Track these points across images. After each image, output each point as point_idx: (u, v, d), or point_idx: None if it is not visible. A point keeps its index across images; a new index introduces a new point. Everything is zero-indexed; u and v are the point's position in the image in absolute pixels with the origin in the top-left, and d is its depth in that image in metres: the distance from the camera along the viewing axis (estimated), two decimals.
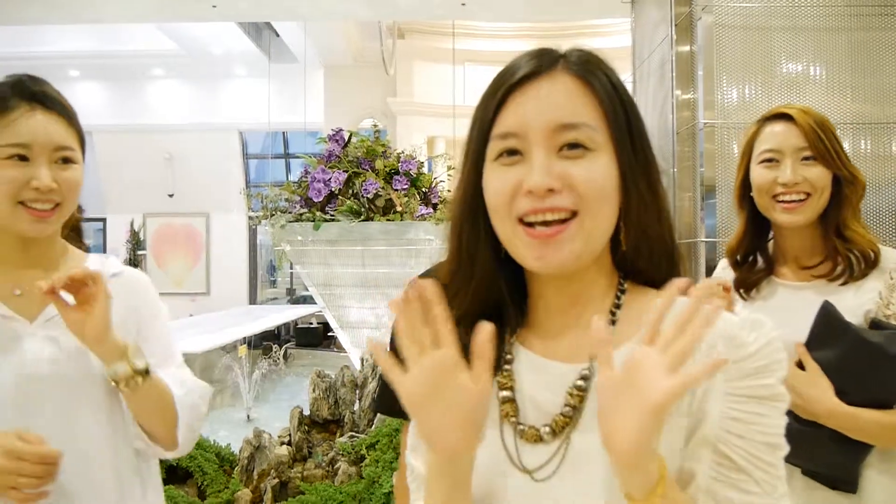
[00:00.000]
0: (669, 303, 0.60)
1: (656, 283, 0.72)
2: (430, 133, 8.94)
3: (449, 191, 3.61)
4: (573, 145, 0.67)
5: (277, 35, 8.68)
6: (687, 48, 2.91)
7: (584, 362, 0.70)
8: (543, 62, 0.70)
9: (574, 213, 0.67)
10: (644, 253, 0.72)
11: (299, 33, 8.13)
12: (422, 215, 3.06)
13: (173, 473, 2.30)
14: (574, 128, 0.67)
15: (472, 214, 0.73)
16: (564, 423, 0.69)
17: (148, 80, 9.76)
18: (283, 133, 9.89)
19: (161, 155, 9.75)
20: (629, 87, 3.63)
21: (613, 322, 0.71)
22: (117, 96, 9.72)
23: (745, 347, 0.65)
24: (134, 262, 8.32)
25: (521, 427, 0.70)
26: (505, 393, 0.72)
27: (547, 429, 0.69)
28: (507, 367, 0.74)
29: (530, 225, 0.67)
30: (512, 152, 0.69)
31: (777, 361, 0.65)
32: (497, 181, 0.69)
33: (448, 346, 0.65)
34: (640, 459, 0.59)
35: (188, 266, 9.75)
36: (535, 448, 0.70)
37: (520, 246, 0.69)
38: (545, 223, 0.67)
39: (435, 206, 3.20)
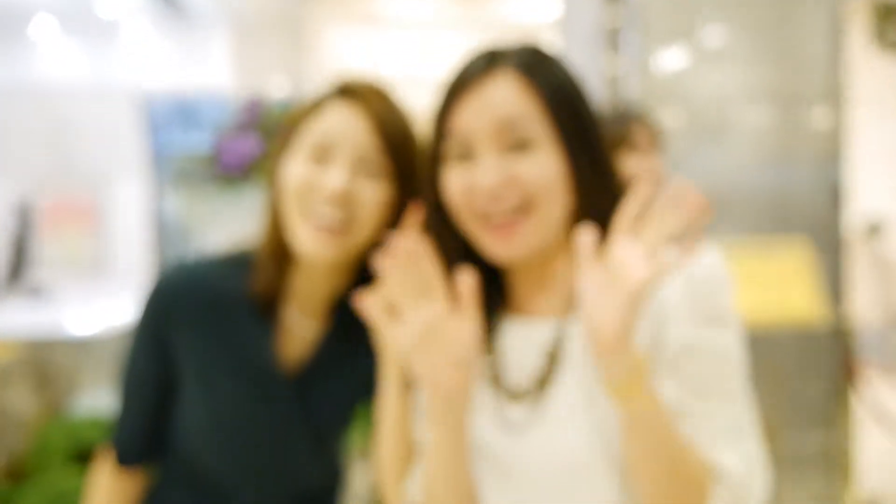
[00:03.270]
0: (640, 199, 0.66)
1: None
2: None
3: None
4: (518, 142, 0.72)
5: None
6: (615, 20, 2.87)
7: (556, 318, 0.77)
8: (487, 63, 0.75)
9: (525, 207, 0.73)
10: (605, 226, 0.74)
11: None
12: None
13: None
14: (518, 125, 0.72)
15: (436, 213, 0.79)
16: (543, 379, 0.75)
17: (32, 38, 9.08)
18: (189, 99, 9.47)
19: (49, 120, 9.10)
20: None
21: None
22: None
23: (696, 275, 0.72)
24: (23, 236, 7.80)
25: (506, 389, 0.77)
26: (489, 361, 0.79)
27: (531, 385, 0.76)
28: (490, 340, 0.80)
29: (489, 220, 0.73)
30: (463, 154, 0.74)
31: (725, 284, 0.73)
32: (451, 182, 0.75)
33: (439, 296, 0.74)
34: (622, 346, 0.64)
35: (83, 242, 9.22)
36: (519, 406, 0.76)
37: (481, 240, 0.75)
38: (502, 217, 0.73)
39: None
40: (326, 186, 0.87)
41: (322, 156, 0.89)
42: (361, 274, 0.95)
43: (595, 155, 0.76)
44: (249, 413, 0.97)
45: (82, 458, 2.16)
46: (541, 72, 0.75)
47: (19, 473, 2.17)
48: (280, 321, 0.97)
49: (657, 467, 0.67)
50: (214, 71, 8.39)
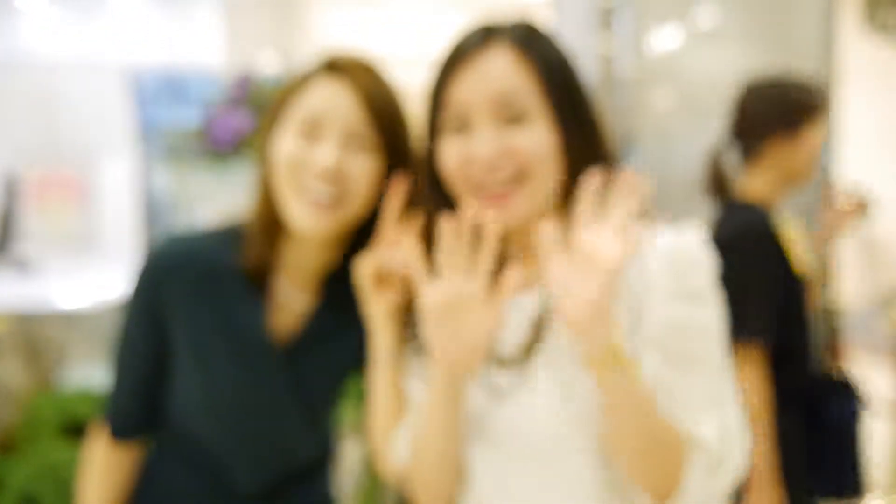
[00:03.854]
0: (593, 186, 0.70)
1: None
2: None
3: None
4: (514, 115, 0.75)
5: None
6: (609, 2, 2.86)
7: (542, 289, 0.79)
8: (483, 37, 0.77)
9: (519, 177, 0.75)
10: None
11: None
12: None
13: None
14: (513, 98, 0.75)
15: (432, 183, 0.82)
16: (528, 347, 0.78)
17: (16, 8, 8.90)
18: (178, 73, 9.37)
19: (36, 93, 8.96)
20: None
21: None
22: None
23: (678, 253, 0.74)
24: (9, 210, 7.73)
25: (494, 356, 0.80)
26: None
27: (514, 354, 0.79)
28: None
29: (484, 190, 0.76)
30: (459, 126, 0.77)
31: (705, 262, 0.75)
32: (448, 153, 0.78)
33: (482, 275, 0.74)
34: (600, 324, 0.67)
35: (70, 216, 9.13)
36: (504, 373, 0.79)
37: (475, 210, 0.77)
38: (496, 187, 0.75)
39: None
40: (318, 163, 0.88)
41: (312, 131, 0.90)
42: (352, 247, 0.96)
43: (586, 128, 0.78)
44: (241, 384, 0.98)
45: (72, 430, 2.16)
46: (536, 47, 0.77)
47: (9, 446, 2.18)
48: (272, 294, 0.98)
49: (635, 438, 0.70)
50: (204, 45, 8.30)
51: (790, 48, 2.79)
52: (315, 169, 0.88)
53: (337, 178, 0.89)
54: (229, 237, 0.99)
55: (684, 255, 0.75)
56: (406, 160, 0.92)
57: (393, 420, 0.87)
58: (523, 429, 0.78)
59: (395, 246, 0.86)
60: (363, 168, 0.90)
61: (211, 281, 0.96)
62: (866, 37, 4.64)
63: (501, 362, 0.80)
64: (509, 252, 0.84)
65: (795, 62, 2.79)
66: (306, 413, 1.03)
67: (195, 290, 0.96)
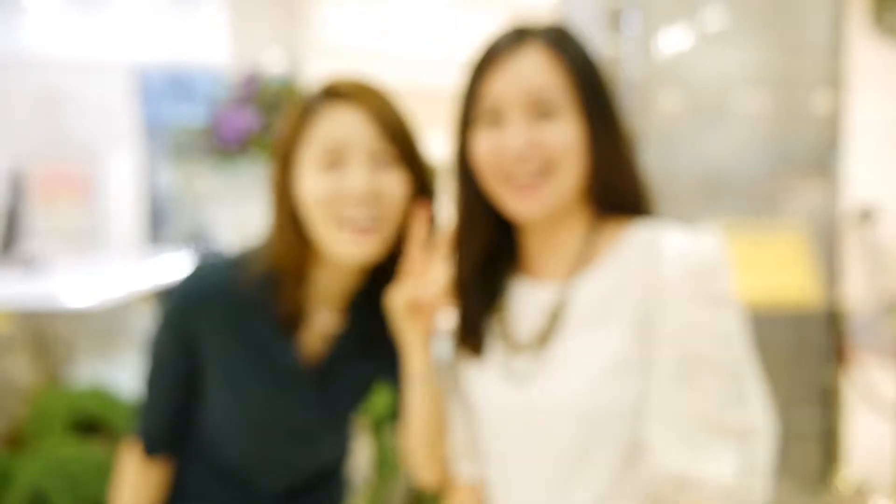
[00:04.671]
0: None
1: (629, 213, 0.85)
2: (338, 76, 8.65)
3: None
4: (544, 111, 0.80)
5: None
6: (617, 4, 2.86)
7: (561, 280, 0.84)
8: (517, 38, 0.82)
9: (547, 170, 0.80)
10: (616, 192, 0.84)
11: None
12: None
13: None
14: (543, 95, 0.80)
15: (465, 174, 0.87)
16: (545, 334, 0.82)
17: (25, 7, 8.92)
18: (183, 71, 9.37)
19: (43, 90, 8.98)
20: None
21: (585, 251, 0.84)
22: None
23: (695, 258, 0.76)
24: (16, 208, 7.73)
25: (512, 343, 0.85)
26: (500, 318, 0.88)
27: (531, 340, 0.83)
28: (503, 298, 0.89)
29: (513, 180, 0.81)
30: (492, 120, 0.82)
31: (723, 266, 0.76)
32: (481, 145, 0.82)
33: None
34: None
35: (76, 212, 9.14)
36: (522, 358, 0.84)
37: (504, 199, 0.82)
38: (525, 178, 0.80)
39: None
40: (351, 189, 0.90)
41: (336, 162, 0.91)
42: (377, 265, 0.99)
43: (611, 126, 0.83)
44: (272, 407, 1.01)
45: (80, 426, 2.17)
46: (566, 48, 0.82)
47: (17, 442, 2.18)
48: (304, 324, 1.00)
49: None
50: (210, 43, 8.30)
51: (798, 51, 2.79)
52: (350, 197, 0.90)
53: (373, 200, 0.90)
54: (256, 266, 0.99)
55: (701, 259, 0.76)
56: (424, 172, 0.96)
57: (428, 437, 0.93)
58: (540, 413, 0.81)
59: (425, 275, 0.91)
60: (394, 183, 0.92)
61: (243, 314, 0.97)
62: (874, 40, 4.63)
63: (519, 349, 0.84)
64: (532, 243, 0.88)
65: (803, 65, 2.79)
66: (333, 426, 1.07)
67: (227, 323, 0.97)
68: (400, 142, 0.93)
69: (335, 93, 0.93)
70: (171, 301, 1.00)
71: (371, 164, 0.91)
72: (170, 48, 8.51)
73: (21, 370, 2.26)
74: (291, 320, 0.98)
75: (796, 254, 2.46)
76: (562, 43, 0.82)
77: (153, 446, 1.07)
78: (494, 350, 0.87)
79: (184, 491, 1.09)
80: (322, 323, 1.01)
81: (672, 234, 0.79)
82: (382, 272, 0.98)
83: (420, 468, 0.95)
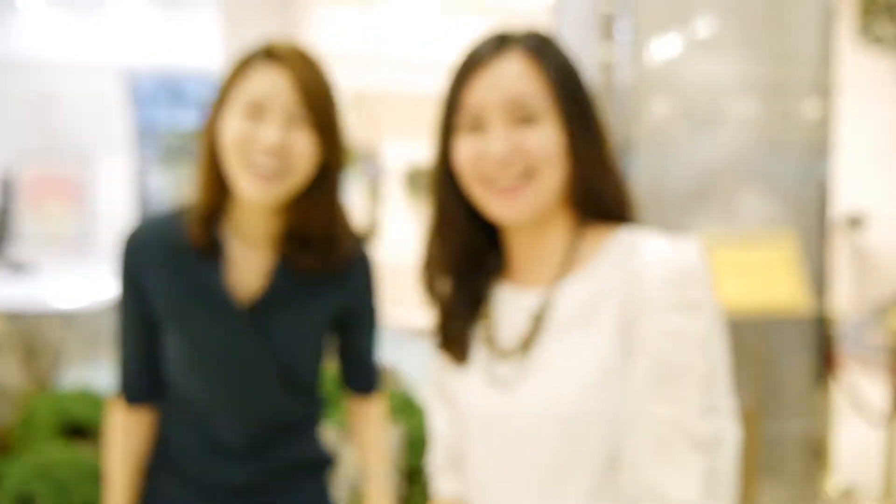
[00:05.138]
0: None
1: (612, 219, 0.86)
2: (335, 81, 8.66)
3: (356, 138, 3.63)
4: (525, 116, 0.80)
5: None
6: (609, 7, 2.88)
7: (544, 286, 0.85)
8: (498, 44, 0.83)
9: (529, 174, 0.80)
10: (597, 197, 0.85)
11: None
12: None
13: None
14: (524, 101, 0.80)
15: (445, 179, 0.87)
16: (528, 339, 0.83)
17: (18, 9, 8.87)
18: (175, 76, 9.34)
19: (34, 93, 8.92)
20: None
21: (568, 257, 0.85)
22: None
23: (674, 264, 0.77)
24: (5, 210, 7.68)
25: (496, 349, 0.86)
26: (484, 324, 0.88)
27: (515, 346, 0.84)
28: (487, 304, 0.89)
29: (495, 184, 0.81)
30: (473, 125, 0.82)
31: (701, 273, 0.77)
32: (462, 151, 0.83)
33: None
34: None
35: (67, 216, 9.09)
36: (506, 364, 0.85)
37: (486, 202, 0.83)
38: (507, 181, 0.81)
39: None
40: (263, 140, 1.01)
41: (256, 113, 1.02)
42: (298, 212, 1.10)
43: (592, 131, 0.83)
44: (215, 342, 1.10)
45: (68, 430, 2.16)
46: (547, 54, 0.83)
47: (6, 446, 2.17)
48: (229, 258, 1.10)
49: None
50: (202, 48, 8.30)
51: (787, 59, 2.82)
52: (261, 146, 1.01)
53: (280, 154, 1.02)
54: (187, 215, 1.12)
55: (681, 267, 0.78)
56: (337, 137, 1.07)
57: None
58: (524, 419, 0.82)
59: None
60: (302, 144, 1.03)
61: (176, 252, 1.09)
62: (861, 49, 4.68)
63: (503, 354, 0.85)
64: (515, 249, 0.88)
65: (792, 73, 2.81)
66: (278, 367, 1.12)
67: (166, 263, 1.10)
68: (316, 107, 1.04)
69: (269, 54, 1.04)
70: (120, 252, 1.12)
71: (285, 122, 1.02)
72: (162, 53, 8.49)
73: (9, 374, 2.25)
74: (208, 250, 1.09)
75: (785, 260, 2.48)
76: (542, 49, 0.83)
77: (131, 395, 1.16)
78: (478, 356, 0.88)
79: (166, 444, 1.17)
80: (251, 261, 1.11)
81: (653, 240, 0.81)
82: (304, 220, 1.09)
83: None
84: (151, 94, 4.25)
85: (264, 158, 1.01)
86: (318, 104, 1.04)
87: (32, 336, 2.39)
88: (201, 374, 1.11)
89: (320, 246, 1.11)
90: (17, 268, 3.27)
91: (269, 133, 1.01)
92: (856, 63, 4.38)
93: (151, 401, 1.16)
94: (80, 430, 2.17)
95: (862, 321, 5.26)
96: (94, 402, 2.23)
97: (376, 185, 8.48)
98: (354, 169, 3.17)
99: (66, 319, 2.51)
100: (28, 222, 8.59)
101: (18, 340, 2.26)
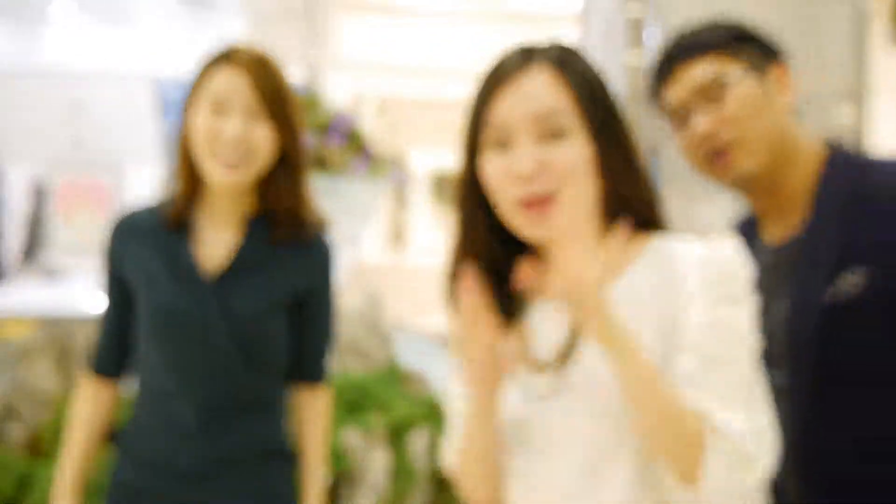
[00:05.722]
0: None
1: (643, 226, 0.86)
2: (358, 89, 8.71)
3: (385, 146, 3.67)
4: (552, 131, 0.80)
5: None
6: (637, 13, 2.88)
7: None
8: (523, 58, 0.83)
9: (557, 189, 0.80)
10: (629, 207, 0.84)
11: None
12: (357, 171, 3.01)
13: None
14: (551, 116, 0.80)
15: (470, 196, 0.87)
16: (565, 353, 0.82)
17: (49, 19, 9.04)
18: None
19: (66, 102, 9.05)
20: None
21: (608, 265, 0.81)
22: (14, 34, 8.96)
23: (715, 262, 0.78)
24: (37, 217, 7.82)
25: (533, 363, 0.85)
26: (520, 339, 0.86)
27: (555, 360, 0.83)
28: (521, 317, 0.88)
29: (525, 202, 0.80)
30: (500, 142, 0.82)
31: (741, 269, 0.79)
32: (491, 168, 0.82)
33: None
34: (590, 291, 0.74)
35: (98, 223, 9.21)
36: (543, 378, 0.83)
37: (517, 220, 0.82)
38: (536, 199, 0.80)
39: (369, 162, 3.13)
40: (227, 133, 1.15)
41: (220, 110, 1.17)
42: (262, 193, 1.24)
43: (621, 143, 0.83)
44: (180, 312, 1.19)
45: (102, 434, 2.18)
46: (571, 67, 0.83)
47: (39, 448, 2.20)
48: (199, 236, 1.23)
49: (647, 412, 0.75)
50: None
51: (820, 65, 2.79)
52: (225, 138, 1.15)
53: (242, 144, 1.16)
54: (166, 202, 1.27)
55: (722, 264, 0.79)
56: (293, 128, 1.21)
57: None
58: (561, 433, 0.81)
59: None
60: (262, 136, 1.18)
61: (153, 233, 1.24)
62: (893, 55, 4.61)
63: (539, 368, 0.84)
64: (547, 263, 0.87)
65: (825, 79, 2.78)
66: (238, 340, 1.19)
67: (143, 241, 1.23)
68: (272, 102, 1.18)
69: (229, 57, 1.19)
70: (106, 235, 1.26)
71: (246, 116, 1.16)
72: (190, 61, 8.56)
73: (43, 377, 2.29)
74: (181, 228, 1.22)
75: None
76: (567, 62, 0.83)
77: (98, 366, 1.28)
78: (515, 371, 0.86)
79: (131, 426, 1.27)
80: (218, 239, 1.23)
81: (689, 243, 0.82)
82: (268, 200, 1.23)
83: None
84: (180, 102, 4.28)
85: (229, 149, 1.15)
86: (274, 99, 1.19)
87: (65, 340, 2.42)
88: (165, 344, 1.21)
89: (285, 221, 1.23)
90: (50, 274, 3.33)
91: (232, 126, 1.15)
92: (889, 68, 4.31)
93: (117, 375, 1.28)
94: (113, 433, 2.20)
95: None
96: (125, 405, 2.25)
97: (403, 192, 8.52)
98: (381, 176, 3.19)
99: (98, 324, 2.54)
100: (60, 229, 8.72)
101: (51, 345, 2.30)
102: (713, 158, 1.07)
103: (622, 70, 2.93)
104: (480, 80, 0.85)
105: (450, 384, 0.94)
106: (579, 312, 0.75)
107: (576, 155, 0.80)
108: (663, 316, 0.79)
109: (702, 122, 1.05)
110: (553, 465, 0.82)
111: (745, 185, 1.08)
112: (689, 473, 0.74)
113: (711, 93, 1.05)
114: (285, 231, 1.22)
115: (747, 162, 1.05)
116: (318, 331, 1.29)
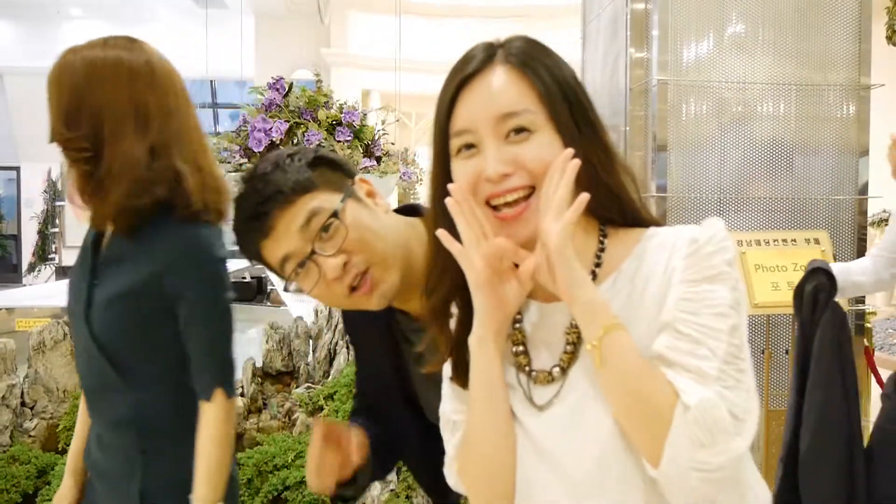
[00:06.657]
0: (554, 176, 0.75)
1: (633, 223, 0.84)
2: (365, 86, 8.73)
3: (392, 143, 3.64)
4: (518, 130, 0.78)
5: None
6: (642, 6, 2.88)
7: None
8: (485, 58, 0.80)
9: (531, 189, 0.77)
10: (612, 203, 0.82)
11: None
12: (365, 168, 3.00)
13: None
14: (516, 114, 0.78)
15: (442, 205, 0.80)
16: (569, 360, 0.80)
17: (64, 20, 9.10)
18: (211, 82, 9.49)
19: None
20: (578, 44, 3.61)
21: (598, 265, 0.82)
22: (31, 36, 9.03)
23: (697, 241, 0.77)
24: (52, 213, 7.92)
25: (534, 373, 0.82)
26: (517, 347, 0.84)
27: (557, 369, 0.80)
28: (517, 324, 0.85)
29: (496, 208, 0.78)
30: (468, 146, 0.79)
31: (723, 247, 0.77)
32: (460, 174, 0.80)
33: (497, 238, 0.78)
34: (573, 290, 0.74)
35: None
36: (546, 388, 0.81)
37: (494, 227, 0.79)
38: (508, 204, 0.78)
39: (378, 159, 3.14)
40: None
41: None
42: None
43: (592, 136, 0.80)
44: (73, 289, 1.26)
45: None
46: (532, 62, 0.80)
47: (56, 442, 2.25)
48: (106, 234, 1.25)
49: (620, 393, 0.74)
50: (240, 58, 8.45)
51: (821, 61, 2.80)
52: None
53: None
54: None
55: (703, 244, 0.77)
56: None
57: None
58: (562, 441, 0.79)
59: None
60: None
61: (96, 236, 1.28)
62: (893, 51, 4.61)
63: (539, 377, 0.81)
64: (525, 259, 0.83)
65: (826, 75, 2.80)
66: (93, 332, 1.19)
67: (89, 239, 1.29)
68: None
69: None
70: None
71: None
72: (202, 61, 8.64)
73: (59, 372, 2.33)
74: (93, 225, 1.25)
75: (821, 258, 2.47)
76: (526, 57, 0.80)
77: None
78: (512, 378, 0.84)
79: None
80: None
81: (680, 230, 0.80)
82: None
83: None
84: (194, 101, 4.31)
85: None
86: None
87: None
88: (71, 329, 1.30)
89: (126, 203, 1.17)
90: (65, 269, 3.37)
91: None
92: (888, 65, 4.31)
93: None
94: None
95: (892, 320, 5.18)
96: None
97: (410, 189, 8.53)
98: (389, 172, 3.19)
99: None
100: (75, 226, 8.80)
101: (67, 339, 2.34)
102: (352, 292, 1.01)
103: (627, 64, 2.95)
104: (444, 83, 0.82)
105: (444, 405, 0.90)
106: (551, 278, 0.74)
107: (544, 150, 0.77)
108: (658, 304, 0.77)
109: (330, 265, 0.98)
110: (553, 474, 0.80)
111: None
112: (654, 452, 0.72)
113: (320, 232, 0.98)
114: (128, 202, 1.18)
115: (386, 276, 1.01)
116: (198, 341, 1.19)
